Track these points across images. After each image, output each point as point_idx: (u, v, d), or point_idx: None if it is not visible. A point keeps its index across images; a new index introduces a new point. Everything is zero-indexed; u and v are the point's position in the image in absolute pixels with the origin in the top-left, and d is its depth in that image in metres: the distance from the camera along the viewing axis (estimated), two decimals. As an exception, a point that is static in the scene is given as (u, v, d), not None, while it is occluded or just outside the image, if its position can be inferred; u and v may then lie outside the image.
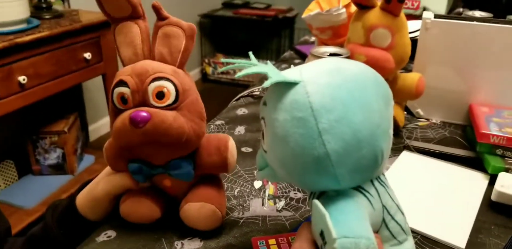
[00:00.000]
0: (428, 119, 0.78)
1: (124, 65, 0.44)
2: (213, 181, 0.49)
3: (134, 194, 0.48)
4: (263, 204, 0.53)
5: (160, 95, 0.41)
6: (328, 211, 0.29)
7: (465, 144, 0.69)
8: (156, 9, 0.42)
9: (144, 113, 0.40)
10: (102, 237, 0.47)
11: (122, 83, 0.41)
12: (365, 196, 0.32)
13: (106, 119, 2.18)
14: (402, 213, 0.35)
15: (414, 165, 0.63)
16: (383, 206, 0.33)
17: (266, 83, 0.29)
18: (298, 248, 0.32)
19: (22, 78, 1.22)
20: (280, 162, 0.31)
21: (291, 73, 0.31)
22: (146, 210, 0.47)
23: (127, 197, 0.48)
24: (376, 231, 0.33)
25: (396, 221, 0.34)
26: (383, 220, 0.34)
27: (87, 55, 1.44)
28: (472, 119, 0.68)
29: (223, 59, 0.36)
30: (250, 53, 0.36)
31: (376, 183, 0.34)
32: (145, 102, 0.41)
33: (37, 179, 1.60)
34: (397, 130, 0.72)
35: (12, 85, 1.21)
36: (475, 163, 0.62)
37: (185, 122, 0.42)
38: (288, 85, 0.30)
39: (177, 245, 0.46)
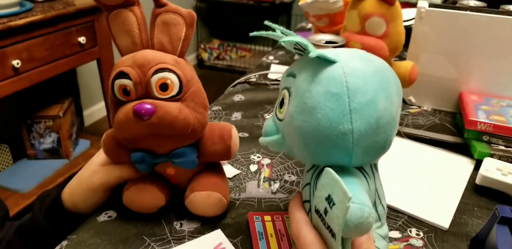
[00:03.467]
0: (419, 107, 0.80)
1: (122, 55, 0.43)
2: (216, 169, 0.50)
3: (138, 182, 0.48)
4: (258, 186, 0.55)
5: (164, 87, 0.40)
6: None
7: (453, 131, 0.71)
8: None
9: (148, 106, 0.39)
10: (103, 217, 0.49)
11: (123, 75, 0.40)
12: (364, 176, 0.35)
13: (101, 105, 2.18)
14: (384, 200, 0.38)
15: (404, 150, 0.65)
16: (376, 189, 0.36)
17: (313, 54, 0.31)
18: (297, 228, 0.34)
19: (16, 62, 1.22)
20: (300, 130, 0.33)
21: (328, 53, 0.33)
22: (151, 198, 0.47)
23: (131, 185, 0.48)
24: None
25: (382, 205, 0.37)
26: (374, 202, 0.36)
27: (82, 39, 1.44)
28: (461, 106, 0.71)
29: (251, 34, 0.39)
30: (270, 24, 0.38)
31: (373, 168, 0.36)
32: (148, 94, 0.40)
33: (32, 163, 1.61)
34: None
35: (6, 69, 1.21)
36: (462, 148, 0.65)
37: (190, 113, 0.42)
38: (325, 62, 0.32)
39: (176, 225, 0.48)
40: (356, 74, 0.31)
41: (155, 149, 0.45)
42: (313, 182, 0.35)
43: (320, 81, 0.32)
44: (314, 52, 0.31)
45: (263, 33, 0.37)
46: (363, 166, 0.35)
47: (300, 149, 0.34)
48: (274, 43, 3.01)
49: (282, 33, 0.36)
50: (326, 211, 0.30)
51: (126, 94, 0.41)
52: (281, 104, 0.36)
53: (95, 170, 0.49)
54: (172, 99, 0.41)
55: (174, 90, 0.41)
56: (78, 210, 0.49)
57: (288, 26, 2.93)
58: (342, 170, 0.33)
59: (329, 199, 0.29)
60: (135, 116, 0.39)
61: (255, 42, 3.11)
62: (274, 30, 0.37)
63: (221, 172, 0.50)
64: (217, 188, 0.47)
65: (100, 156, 0.50)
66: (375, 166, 0.37)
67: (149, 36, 0.43)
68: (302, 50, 0.35)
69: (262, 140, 0.39)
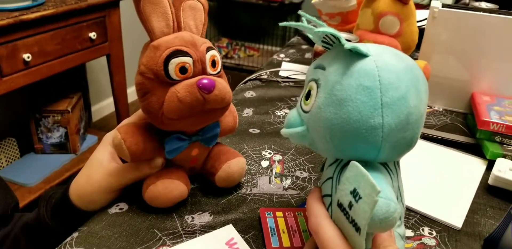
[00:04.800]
0: (430, 107, 0.79)
1: (153, 37, 0.42)
2: (220, 144, 0.54)
3: (161, 176, 0.47)
4: (270, 181, 0.55)
5: (214, 63, 0.43)
6: None
7: (465, 131, 0.71)
8: None
9: (208, 81, 0.41)
10: (114, 209, 0.49)
11: (181, 53, 0.41)
12: (388, 172, 0.34)
13: (109, 100, 2.19)
14: (404, 199, 0.38)
15: (416, 149, 0.64)
16: (398, 186, 0.36)
17: (347, 46, 0.31)
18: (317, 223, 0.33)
19: (26, 56, 1.22)
20: (327, 123, 0.33)
21: (360, 46, 0.32)
22: (177, 192, 0.47)
23: (154, 180, 0.46)
24: None
25: (402, 204, 0.37)
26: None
27: (92, 34, 1.44)
28: (473, 107, 0.70)
29: (281, 24, 0.39)
30: (303, 13, 0.39)
31: (396, 165, 0.36)
32: (203, 71, 0.43)
33: (39, 157, 1.61)
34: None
35: (16, 62, 1.21)
36: (474, 149, 0.64)
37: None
38: (357, 56, 0.32)
39: (187, 219, 0.48)
40: (389, 69, 0.31)
41: (190, 128, 0.46)
42: (335, 176, 0.35)
43: (352, 74, 0.31)
44: (348, 44, 0.31)
45: (292, 23, 0.37)
46: (387, 163, 0.35)
47: (326, 141, 0.34)
48: (282, 43, 3.01)
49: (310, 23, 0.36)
50: (350, 205, 0.30)
51: (182, 73, 0.41)
52: (307, 96, 0.35)
53: (109, 171, 0.47)
54: (217, 75, 0.44)
55: (219, 67, 0.44)
56: (89, 208, 0.48)
57: (296, 26, 2.93)
58: (366, 164, 0.33)
59: (354, 193, 0.29)
60: (202, 90, 0.40)
61: (264, 41, 3.11)
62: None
63: (223, 145, 0.54)
64: (238, 154, 0.51)
65: (105, 153, 0.49)
66: (398, 163, 0.37)
67: (177, 20, 0.44)
68: (330, 43, 0.35)
69: (284, 131, 0.38)
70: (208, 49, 0.43)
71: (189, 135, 0.47)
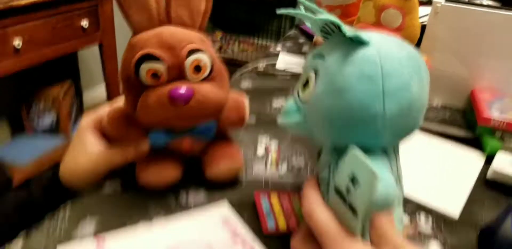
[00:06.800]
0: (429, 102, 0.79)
1: (135, 32, 0.39)
2: (228, 138, 0.50)
3: (152, 160, 0.45)
4: (265, 169, 0.54)
5: (198, 68, 0.38)
6: None
7: (463, 127, 0.70)
8: None
9: (184, 91, 0.36)
10: (107, 188, 0.48)
11: (152, 58, 0.36)
12: (387, 157, 0.34)
13: (101, 88, 2.15)
14: (402, 184, 0.37)
15: (415, 142, 0.64)
16: (397, 170, 0.35)
17: (349, 34, 0.30)
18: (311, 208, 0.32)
19: (17, 43, 1.20)
20: (327, 112, 0.32)
21: (362, 34, 0.32)
22: (169, 174, 0.45)
23: (146, 164, 0.45)
24: None
25: (401, 188, 0.36)
26: None
27: (84, 23, 1.42)
28: (474, 103, 0.70)
29: (278, 11, 0.36)
30: (302, 0, 0.37)
31: (396, 151, 0.36)
32: (181, 76, 0.38)
33: (31, 140, 1.59)
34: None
35: (6, 49, 1.19)
36: (473, 144, 0.64)
37: (221, 92, 0.40)
38: (357, 44, 0.31)
39: (182, 199, 0.47)
40: (391, 56, 0.31)
41: (177, 127, 0.44)
42: (333, 163, 0.34)
43: (353, 62, 0.31)
44: (349, 32, 0.30)
45: (291, 11, 0.35)
46: (387, 148, 0.34)
47: (324, 131, 0.33)
48: (277, 38, 3.00)
49: (309, 11, 0.35)
50: (348, 191, 0.29)
51: (155, 78, 0.38)
52: (305, 85, 0.34)
53: (96, 156, 0.45)
54: (204, 80, 0.39)
55: (206, 71, 0.39)
56: (80, 188, 0.48)
57: (292, 22, 2.92)
58: (365, 150, 0.32)
59: (352, 178, 0.29)
60: (172, 102, 0.37)
61: (258, 36, 3.09)
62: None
63: (231, 139, 0.50)
64: (235, 158, 0.47)
65: (92, 135, 0.47)
66: (397, 149, 0.36)
67: (165, 10, 0.39)
68: (329, 32, 0.34)
69: (281, 121, 0.37)
70: (191, 52, 0.38)
71: (177, 131, 0.44)
